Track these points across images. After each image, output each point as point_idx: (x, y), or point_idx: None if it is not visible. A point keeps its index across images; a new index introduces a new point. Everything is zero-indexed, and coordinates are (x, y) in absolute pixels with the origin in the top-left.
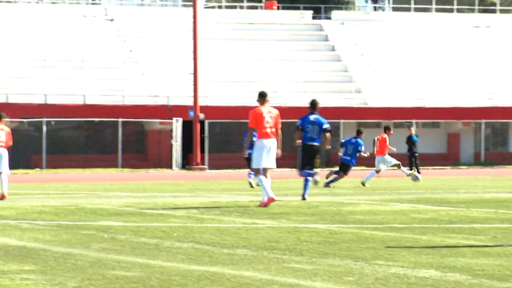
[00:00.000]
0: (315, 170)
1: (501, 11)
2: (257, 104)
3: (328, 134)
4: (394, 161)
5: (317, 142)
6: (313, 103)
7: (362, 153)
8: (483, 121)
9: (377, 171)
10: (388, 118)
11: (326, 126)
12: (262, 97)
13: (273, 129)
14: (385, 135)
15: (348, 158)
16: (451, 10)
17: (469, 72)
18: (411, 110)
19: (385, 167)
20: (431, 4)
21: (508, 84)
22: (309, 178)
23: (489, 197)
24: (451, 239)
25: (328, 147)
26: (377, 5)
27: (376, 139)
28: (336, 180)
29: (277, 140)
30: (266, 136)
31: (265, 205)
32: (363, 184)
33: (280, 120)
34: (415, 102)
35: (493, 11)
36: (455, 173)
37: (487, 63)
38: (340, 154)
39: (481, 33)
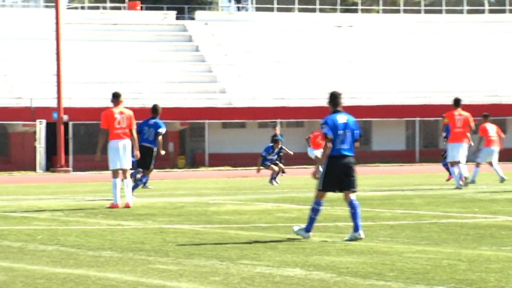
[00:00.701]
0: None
1: (363, 10)
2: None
3: (160, 138)
4: None
5: (153, 145)
6: (155, 108)
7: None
8: None
9: None
10: (253, 118)
11: (160, 130)
12: (115, 97)
13: (126, 130)
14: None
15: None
16: (313, 10)
17: (331, 71)
18: (275, 109)
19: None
20: (294, 4)
21: (370, 83)
22: (138, 182)
23: None
24: (316, 237)
25: (162, 152)
26: (240, 5)
27: (308, 137)
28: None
29: (131, 141)
30: (118, 137)
31: (110, 207)
32: None
33: (135, 121)
34: (279, 102)
35: (355, 11)
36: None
37: (349, 62)
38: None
39: (344, 33)
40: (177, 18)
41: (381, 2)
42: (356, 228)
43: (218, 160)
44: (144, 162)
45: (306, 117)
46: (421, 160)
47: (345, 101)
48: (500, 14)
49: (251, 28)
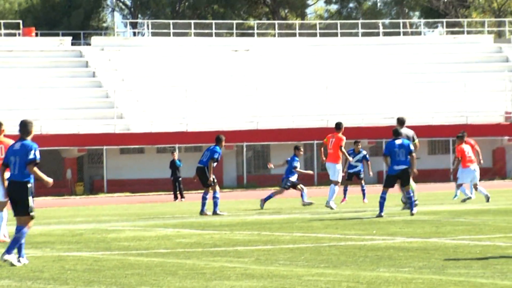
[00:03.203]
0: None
1: (259, 34)
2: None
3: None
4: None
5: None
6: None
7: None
8: (245, 143)
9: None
10: (151, 144)
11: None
12: None
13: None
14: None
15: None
16: (210, 34)
17: (230, 96)
18: (173, 134)
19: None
20: (190, 29)
21: (268, 107)
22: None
23: (252, 219)
24: (216, 262)
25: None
26: (136, 30)
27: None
28: (273, 196)
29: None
30: None
31: None
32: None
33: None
34: (178, 126)
35: (251, 35)
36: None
37: (247, 86)
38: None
39: (241, 57)
40: (73, 44)
41: (277, 26)
42: (9, 251)
43: (117, 186)
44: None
45: (204, 142)
46: (319, 183)
47: (244, 125)
48: (394, 37)
49: (148, 53)
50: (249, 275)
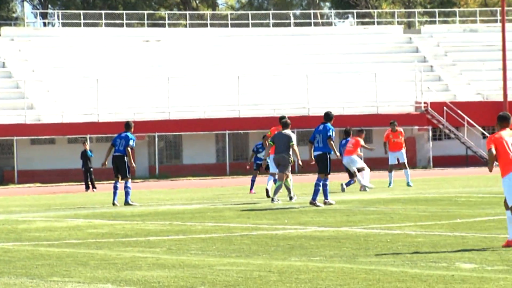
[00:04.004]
0: None
1: (170, 25)
2: None
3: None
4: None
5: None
6: (128, 124)
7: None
8: (157, 134)
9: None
10: (62, 134)
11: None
12: None
13: None
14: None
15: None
16: (121, 25)
17: (141, 86)
18: (85, 125)
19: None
20: (101, 19)
21: (180, 97)
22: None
23: (164, 209)
24: (127, 252)
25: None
26: (47, 21)
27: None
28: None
29: None
30: None
31: None
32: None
33: None
34: (89, 117)
35: (163, 25)
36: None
37: (158, 76)
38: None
39: (152, 47)
40: None
41: (188, 17)
42: None
43: (28, 177)
44: (119, 170)
45: (116, 132)
46: (232, 173)
47: (155, 115)
48: (306, 27)
49: (59, 43)
50: (160, 265)
